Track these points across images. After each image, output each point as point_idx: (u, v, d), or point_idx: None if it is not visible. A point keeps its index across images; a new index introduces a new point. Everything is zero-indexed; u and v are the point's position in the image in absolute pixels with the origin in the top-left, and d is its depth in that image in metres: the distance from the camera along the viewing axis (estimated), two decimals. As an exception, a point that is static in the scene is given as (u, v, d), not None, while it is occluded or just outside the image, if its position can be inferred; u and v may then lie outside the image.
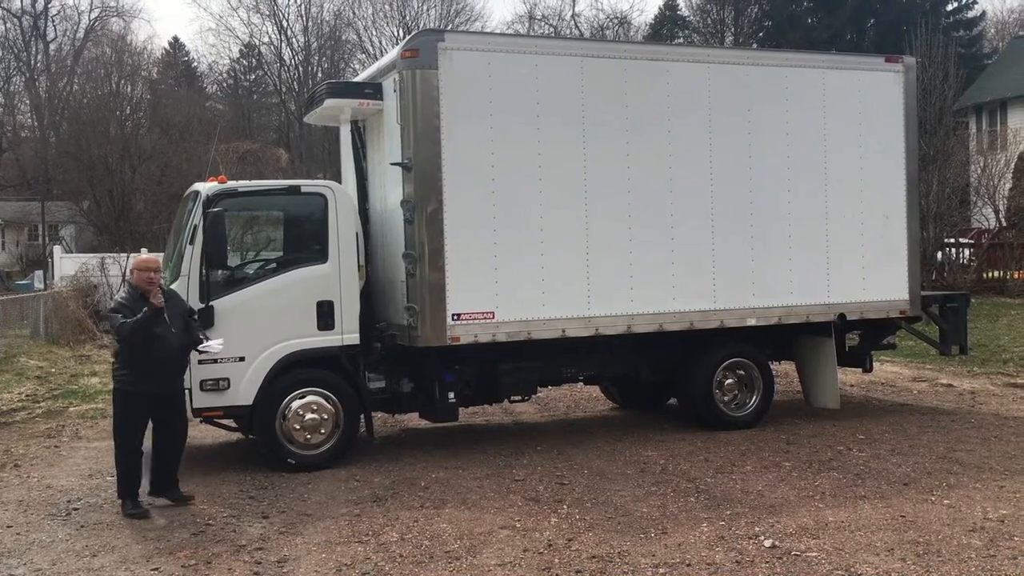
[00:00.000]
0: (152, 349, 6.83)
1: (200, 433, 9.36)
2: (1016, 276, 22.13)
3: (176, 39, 62.47)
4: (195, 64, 60.87)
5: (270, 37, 54.46)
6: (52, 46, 55.96)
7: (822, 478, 7.63)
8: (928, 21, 25.21)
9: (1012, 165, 24.42)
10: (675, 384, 10.03)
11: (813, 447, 8.79)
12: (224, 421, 8.59)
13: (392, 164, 8.51)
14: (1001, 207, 23.75)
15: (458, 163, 8.45)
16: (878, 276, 10.12)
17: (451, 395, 8.79)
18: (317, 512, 6.91)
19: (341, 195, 8.45)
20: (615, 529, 6.39)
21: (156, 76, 58.23)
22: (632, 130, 9.10)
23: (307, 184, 8.47)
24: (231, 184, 8.10)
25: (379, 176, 9.14)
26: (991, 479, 7.48)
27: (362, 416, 8.56)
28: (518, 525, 6.50)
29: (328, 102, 8.94)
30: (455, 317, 8.45)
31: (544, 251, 8.77)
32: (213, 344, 7.17)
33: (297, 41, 50.49)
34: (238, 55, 55.04)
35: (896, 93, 10.28)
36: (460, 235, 8.46)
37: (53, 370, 15.73)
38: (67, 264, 24.34)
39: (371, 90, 8.92)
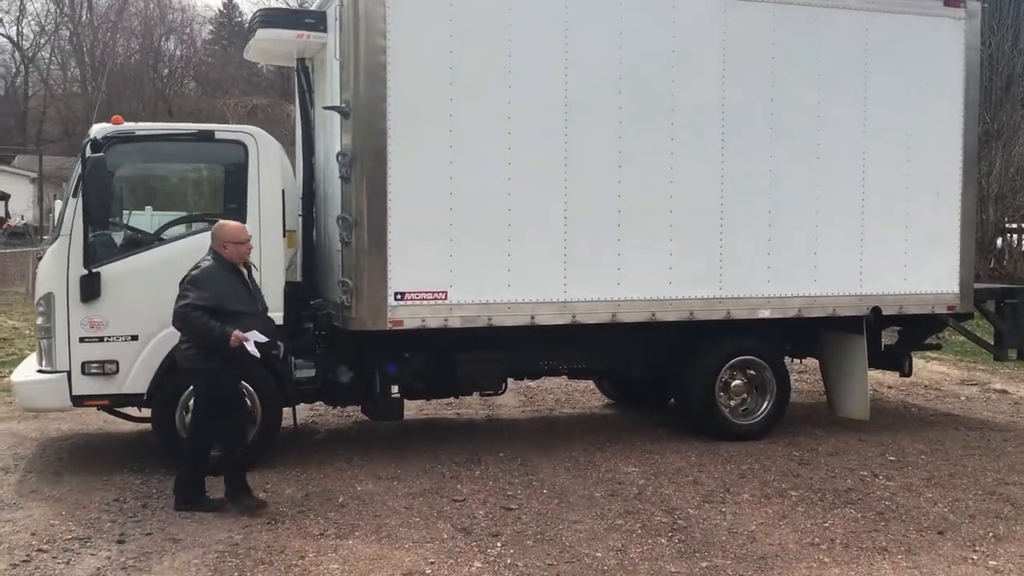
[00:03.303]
0: (240, 328, 5.75)
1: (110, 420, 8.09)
2: (1084, 267, 20.02)
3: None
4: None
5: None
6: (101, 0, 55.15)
7: (834, 516, 6.08)
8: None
9: (1086, 145, 22.12)
10: (672, 383, 8.49)
11: (830, 470, 7.22)
12: (132, 411, 7.28)
13: (326, 108, 7.06)
14: (1071, 191, 21.51)
15: (408, 109, 6.96)
16: (923, 263, 8.44)
17: (395, 389, 7.37)
18: (190, 536, 5.54)
19: (266, 144, 7.00)
20: (550, 584, 4.93)
21: (208, 36, 57.44)
22: (627, 75, 7.50)
23: (223, 130, 7.02)
24: (127, 125, 6.69)
25: (324, 125, 7.68)
26: (1053, 530, 5.87)
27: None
28: (428, 572, 5.07)
29: (260, 33, 7.47)
30: (398, 296, 7.01)
31: (512, 220, 7.26)
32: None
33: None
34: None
35: (956, 45, 8.52)
36: (408, 197, 6.99)
37: (28, 332, 14.67)
38: (66, 219, 23.33)
39: (313, 20, 7.42)
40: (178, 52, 51.19)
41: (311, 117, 7.83)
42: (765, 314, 8.01)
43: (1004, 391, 11.05)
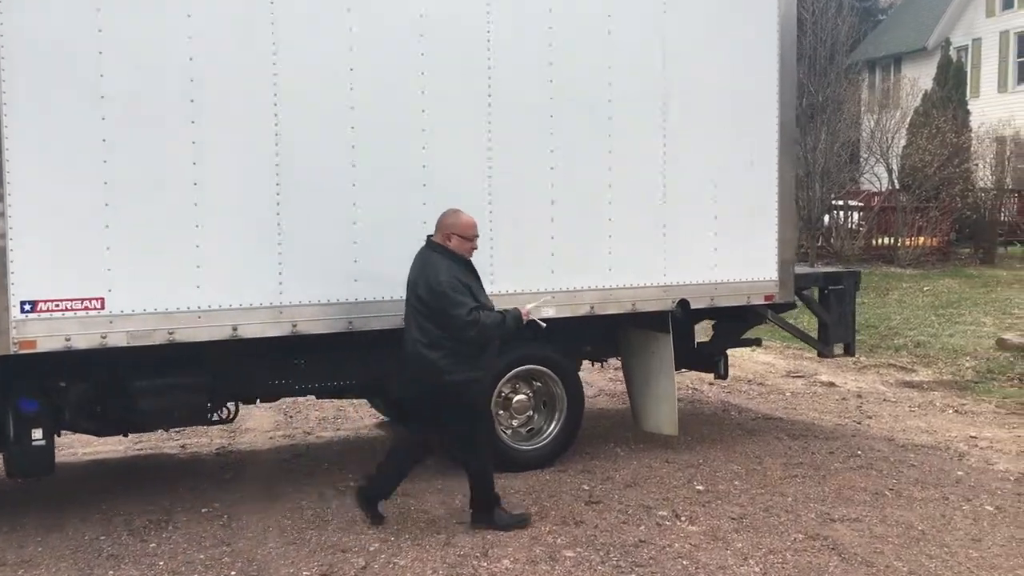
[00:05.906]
0: None
1: None
2: (908, 243, 19.83)
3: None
4: None
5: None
6: None
7: (615, 591, 4.55)
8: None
9: (907, 120, 22.07)
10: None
11: (623, 511, 5.70)
12: None
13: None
14: (895, 166, 21.38)
15: (32, 46, 4.94)
16: (737, 247, 7.09)
17: (37, 433, 5.35)
18: None
19: None
20: None
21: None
22: (360, 32, 5.72)
23: None
24: None
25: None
26: (888, 596, 4.53)
27: None
28: None
29: None
30: (27, 307, 4.99)
31: (200, 199, 5.36)
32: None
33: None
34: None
35: (769, -14, 7.20)
36: (36, 167, 4.98)
37: None
38: None
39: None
40: None
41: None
42: (549, 313, 6.42)
43: (831, 383, 10.03)
